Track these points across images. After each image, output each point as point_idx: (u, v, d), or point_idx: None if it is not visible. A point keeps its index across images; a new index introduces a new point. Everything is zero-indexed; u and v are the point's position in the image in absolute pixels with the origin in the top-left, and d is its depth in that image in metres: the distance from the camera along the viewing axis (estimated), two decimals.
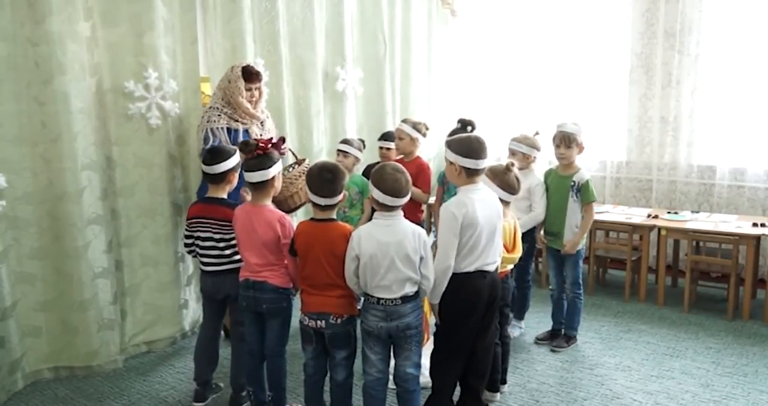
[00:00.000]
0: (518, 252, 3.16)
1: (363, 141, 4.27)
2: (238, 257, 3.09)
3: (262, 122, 3.81)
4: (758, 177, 5.12)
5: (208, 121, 3.59)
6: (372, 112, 5.39)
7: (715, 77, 5.24)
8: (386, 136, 4.39)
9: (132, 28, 3.56)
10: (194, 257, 3.25)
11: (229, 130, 3.61)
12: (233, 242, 3.07)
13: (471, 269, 2.74)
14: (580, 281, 3.82)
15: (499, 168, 3.07)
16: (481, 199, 2.77)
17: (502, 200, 2.96)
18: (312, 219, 2.78)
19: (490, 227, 2.77)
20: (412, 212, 3.98)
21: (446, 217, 2.71)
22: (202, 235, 3.11)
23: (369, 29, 5.27)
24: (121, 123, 3.64)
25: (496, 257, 2.85)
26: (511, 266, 3.21)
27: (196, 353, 3.26)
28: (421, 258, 2.62)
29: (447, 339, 2.85)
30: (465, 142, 2.78)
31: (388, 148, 4.31)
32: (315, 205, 2.74)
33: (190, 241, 3.19)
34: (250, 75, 3.62)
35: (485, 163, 2.79)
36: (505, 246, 3.04)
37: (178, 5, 3.80)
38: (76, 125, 3.35)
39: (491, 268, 2.81)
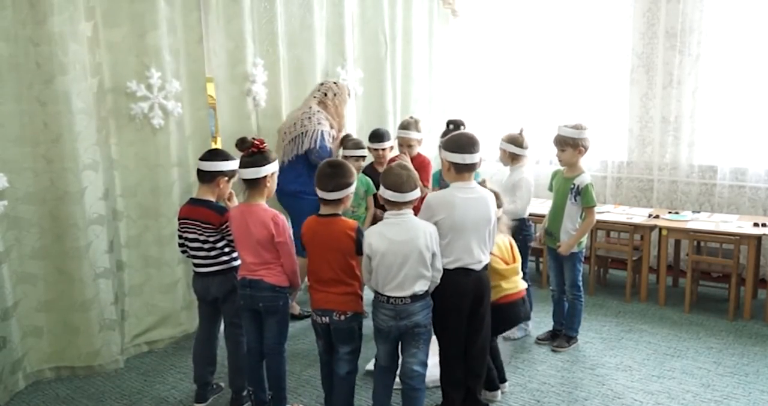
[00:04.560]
0: (518, 261, 3.18)
1: (359, 142, 4.26)
2: (224, 258, 3.11)
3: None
4: (759, 177, 5.11)
5: (319, 123, 4.03)
6: (373, 112, 5.39)
7: (716, 77, 5.23)
8: (377, 138, 4.25)
9: (134, 27, 3.56)
10: (187, 257, 3.26)
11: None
12: (218, 245, 3.09)
13: (452, 266, 2.77)
14: (579, 283, 3.81)
15: None
16: (467, 197, 2.78)
17: None
18: (318, 215, 2.83)
19: (474, 227, 2.77)
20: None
21: (425, 205, 2.80)
22: (190, 236, 3.11)
23: (370, 29, 5.27)
24: (123, 123, 3.64)
25: (481, 256, 2.83)
26: (524, 285, 3.19)
27: (194, 355, 3.27)
28: (434, 254, 2.68)
29: (439, 339, 2.90)
30: (454, 139, 2.86)
31: (383, 149, 4.21)
32: (320, 199, 2.80)
33: (181, 241, 3.21)
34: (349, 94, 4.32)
35: (473, 159, 2.79)
36: (505, 261, 3.08)
37: (181, 5, 3.80)
38: (78, 125, 3.35)
39: (477, 267, 2.80)
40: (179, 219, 3.16)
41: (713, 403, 3.22)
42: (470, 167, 2.81)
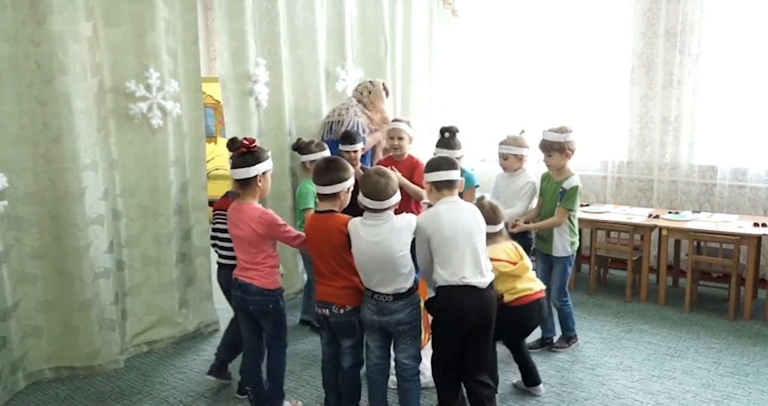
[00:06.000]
0: (526, 258, 3.17)
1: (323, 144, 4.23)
2: None
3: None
4: (759, 177, 5.11)
5: (356, 115, 4.38)
6: None
7: (717, 77, 5.23)
8: (348, 140, 4.09)
9: (133, 28, 3.56)
10: (216, 251, 3.30)
11: (363, 130, 4.36)
12: None
13: (452, 281, 2.71)
14: (566, 289, 3.77)
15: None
16: (450, 209, 2.79)
17: (488, 233, 2.98)
18: (316, 211, 2.89)
19: (466, 236, 2.74)
20: (416, 206, 3.97)
21: (417, 228, 2.76)
22: (221, 227, 3.18)
23: (370, 29, 5.27)
24: (123, 123, 3.64)
25: (482, 270, 2.76)
26: (541, 287, 3.17)
27: (223, 339, 3.41)
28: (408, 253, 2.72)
29: (434, 348, 2.89)
30: (429, 161, 2.96)
31: (354, 151, 4.07)
32: (318, 195, 2.88)
33: (213, 233, 3.27)
34: (387, 92, 4.61)
35: (449, 176, 2.83)
36: (511, 262, 3.08)
37: (179, 5, 3.80)
38: (78, 125, 3.35)
39: (481, 283, 2.74)
40: (214, 210, 3.27)
41: (713, 403, 3.21)
42: (449, 184, 2.85)
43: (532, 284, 3.13)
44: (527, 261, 3.17)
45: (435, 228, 2.74)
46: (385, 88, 4.62)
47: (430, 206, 3.00)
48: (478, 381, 2.86)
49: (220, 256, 3.27)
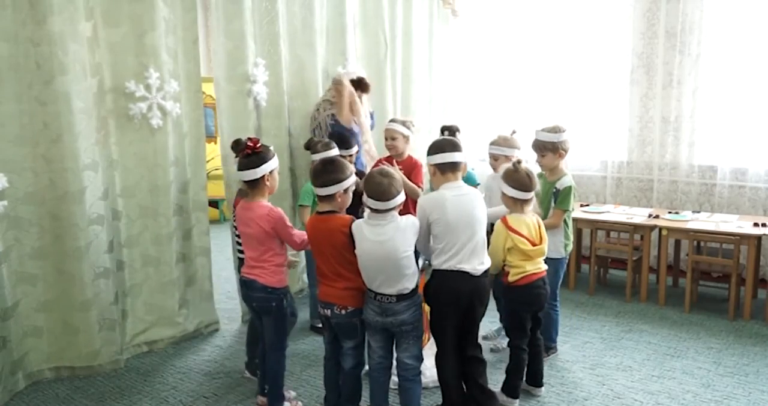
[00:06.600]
0: (545, 242, 3.13)
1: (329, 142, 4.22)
2: None
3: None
4: (759, 177, 5.12)
5: (324, 110, 4.40)
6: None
7: (716, 77, 5.24)
8: (344, 144, 4.01)
9: (133, 28, 3.56)
10: (240, 250, 3.31)
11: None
12: None
13: (446, 266, 2.76)
14: (557, 291, 3.69)
15: (509, 169, 3.08)
16: (457, 194, 2.80)
17: (518, 199, 3.02)
18: (317, 212, 2.87)
19: (468, 224, 2.77)
20: (413, 207, 3.96)
21: (418, 209, 2.82)
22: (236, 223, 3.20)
23: (370, 29, 5.28)
24: (122, 123, 3.64)
25: (482, 257, 2.82)
26: (545, 267, 3.16)
27: (248, 336, 3.44)
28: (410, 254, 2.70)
29: (437, 345, 2.92)
30: (433, 143, 2.92)
31: (350, 155, 4.02)
32: (317, 196, 2.86)
33: (237, 232, 3.27)
34: (365, 87, 4.56)
35: (453, 158, 2.83)
36: (532, 242, 3.04)
37: (179, 5, 3.80)
38: (78, 125, 3.35)
39: (476, 271, 2.78)
40: (233, 206, 3.36)
41: (713, 403, 3.21)
42: (453, 166, 2.84)
43: (540, 265, 3.12)
44: (545, 246, 3.12)
45: (438, 215, 2.74)
46: (363, 83, 4.48)
47: None
48: (470, 357, 2.90)
49: (239, 251, 3.31)
